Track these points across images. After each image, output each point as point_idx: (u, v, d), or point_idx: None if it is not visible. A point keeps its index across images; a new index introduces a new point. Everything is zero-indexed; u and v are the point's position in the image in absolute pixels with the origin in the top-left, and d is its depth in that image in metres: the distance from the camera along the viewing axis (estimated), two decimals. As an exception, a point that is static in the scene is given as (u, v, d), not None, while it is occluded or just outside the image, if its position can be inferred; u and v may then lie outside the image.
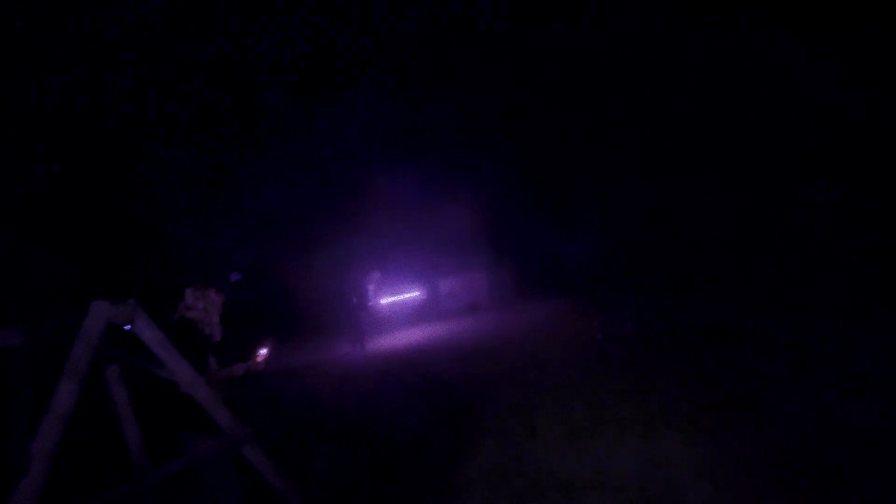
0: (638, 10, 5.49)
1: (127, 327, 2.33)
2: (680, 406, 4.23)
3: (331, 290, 7.59)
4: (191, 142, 5.02)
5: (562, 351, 6.39)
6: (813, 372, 4.63)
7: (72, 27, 4.47)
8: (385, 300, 9.71)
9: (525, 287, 9.12)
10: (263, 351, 3.15)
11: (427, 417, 4.78)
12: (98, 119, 4.63)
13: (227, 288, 3.25)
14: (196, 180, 5.11)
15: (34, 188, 4.39)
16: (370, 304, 7.98)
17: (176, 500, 3.22)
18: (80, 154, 4.54)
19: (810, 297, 7.10)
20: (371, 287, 8.00)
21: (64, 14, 4.40)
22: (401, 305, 10.21)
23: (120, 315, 2.29)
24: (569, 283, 7.90)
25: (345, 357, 8.12)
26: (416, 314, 10.29)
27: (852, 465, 3.13)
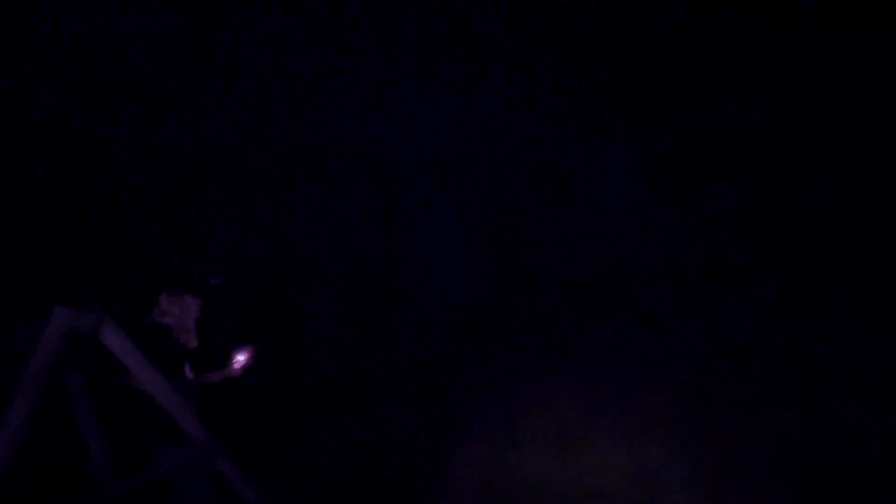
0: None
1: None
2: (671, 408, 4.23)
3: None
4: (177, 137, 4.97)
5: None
6: (812, 372, 4.62)
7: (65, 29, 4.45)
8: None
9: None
10: (241, 357, 3.08)
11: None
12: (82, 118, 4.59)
13: (207, 291, 3.18)
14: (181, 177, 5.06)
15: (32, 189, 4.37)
16: None
17: None
18: (61, 153, 4.51)
19: (810, 297, 7.08)
20: None
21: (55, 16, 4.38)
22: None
23: (84, 321, 2.18)
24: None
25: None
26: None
27: (852, 467, 3.12)
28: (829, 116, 5.49)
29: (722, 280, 7.14)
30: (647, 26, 5.49)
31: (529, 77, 5.93)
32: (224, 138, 5.22)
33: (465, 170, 6.40)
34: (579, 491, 3.33)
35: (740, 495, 3.10)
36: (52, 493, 3.28)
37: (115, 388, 2.62)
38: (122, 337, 2.30)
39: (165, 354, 2.86)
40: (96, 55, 4.61)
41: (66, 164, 4.49)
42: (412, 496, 3.65)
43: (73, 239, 4.39)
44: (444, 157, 6.29)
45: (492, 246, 6.91)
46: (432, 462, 4.01)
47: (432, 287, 6.66)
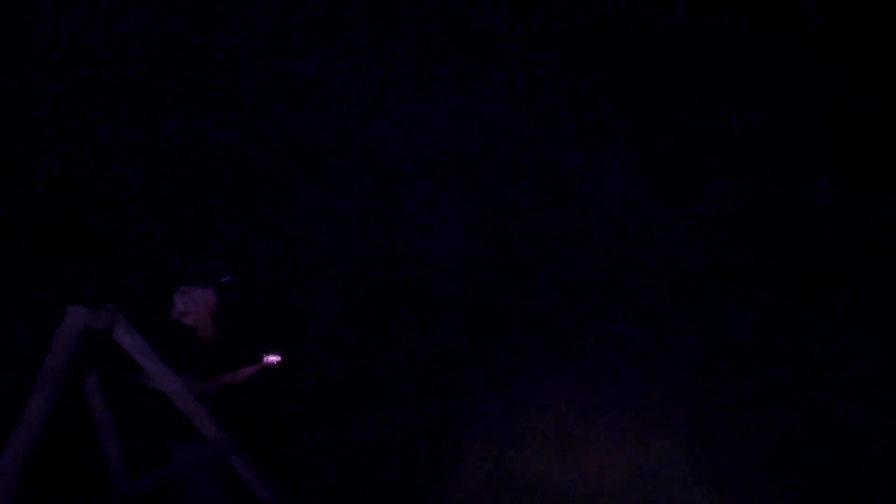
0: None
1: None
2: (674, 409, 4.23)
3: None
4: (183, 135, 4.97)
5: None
6: (812, 372, 4.62)
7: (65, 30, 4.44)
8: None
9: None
10: (273, 358, 3.04)
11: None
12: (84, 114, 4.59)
13: (217, 289, 3.16)
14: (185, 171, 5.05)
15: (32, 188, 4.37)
16: None
17: None
18: (67, 153, 4.51)
19: (810, 297, 7.07)
20: None
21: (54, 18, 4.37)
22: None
23: (98, 321, 2.18)
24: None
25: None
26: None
27: (852, 467, 3.12)
28: (829, 116, 5.49)
29: (722, 280, 7.14)
30: (647, 26, 5.48)
31: (529, 77, 5.92)
32: (224, 138, 5.21)
33: (465, 170, 6.39)
34: (579, 491, 3.33)
35: (740, 495, 3.10)
36: (68, 491, 3.28)
37: (129, 387, 2.62)
38: (135, 336, 2.31)
39: (188, 353, 2.84)
40: (96, 55, 4.61)
41: (66, 164, 4.49)
42: (412, 496, 3.65)
43: (73, 239, 4.39)
44: (444, 157, 6.28)
45: (492, 246, 6.91)
46: (432, 462, 4.01)
47: (432, 287, 6.65)
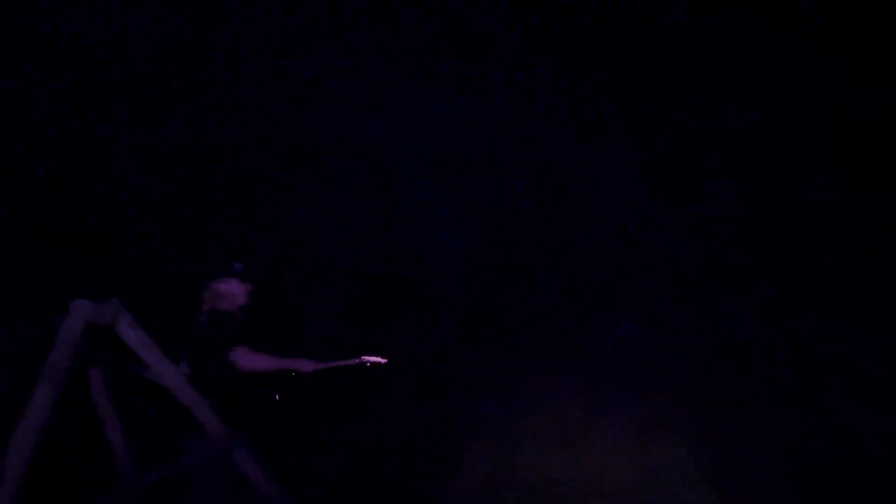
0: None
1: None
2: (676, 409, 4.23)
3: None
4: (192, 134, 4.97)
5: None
6: (812, 372, 4.62)
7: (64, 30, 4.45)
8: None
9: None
10: (372, 358, 2.98)
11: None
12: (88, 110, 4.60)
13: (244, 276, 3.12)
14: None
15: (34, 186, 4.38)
16: None
17: None
18: (74, 149, 4.52)
19: (810, 297, 7.08)
20: None
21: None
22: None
23: (102, 315, 2.18)
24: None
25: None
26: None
27: (852, 467, 3.12)
28: (829, 116, 5.49)
29: (722, 280, 7.14)
30: (647, 26, 5.48)
31: (529, 77, 5.92)
32: (224, 138, 5.21)
33: (465, 170, 6.39)
34: (580, 491, 3.33)
35: (740, 495, 3.10)
36: (73, 487, 3.27)
37: (133, 382, 2.61)
38: (139, 330, 2.30)
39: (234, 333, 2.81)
40: (96, 55, 4.61)
41: (66, 164, 4.49)
42: (412, 496, 3.65)
43: (73, 239, 4.39)
44: (444, 157, 6.28)
45: (492, 246, 6.91)
46: (432, 462, 4.01)
47: (432, 287, 6.65)
